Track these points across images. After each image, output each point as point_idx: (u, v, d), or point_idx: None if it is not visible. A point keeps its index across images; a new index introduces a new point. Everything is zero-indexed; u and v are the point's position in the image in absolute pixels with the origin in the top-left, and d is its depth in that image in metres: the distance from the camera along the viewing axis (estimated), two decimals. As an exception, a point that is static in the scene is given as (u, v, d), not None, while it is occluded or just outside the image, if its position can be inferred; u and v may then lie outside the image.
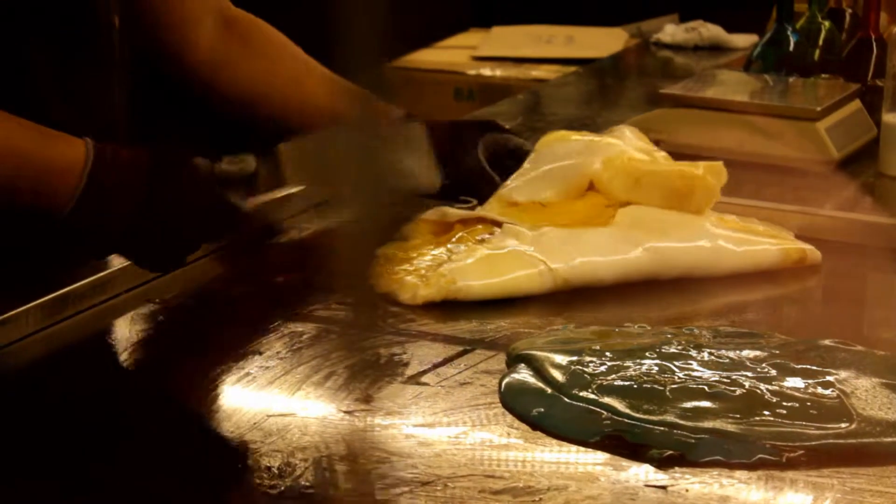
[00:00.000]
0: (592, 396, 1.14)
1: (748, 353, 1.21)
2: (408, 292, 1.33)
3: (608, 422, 1.10)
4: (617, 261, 1.39)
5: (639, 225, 1.42)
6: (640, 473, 1.04)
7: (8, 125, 1.12)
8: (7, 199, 1.14)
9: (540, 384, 1.17)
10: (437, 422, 1.11)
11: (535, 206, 1.46)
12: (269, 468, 1.02)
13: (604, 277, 1.39)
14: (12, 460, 1.05)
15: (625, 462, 1.06)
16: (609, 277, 1.39)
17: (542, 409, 1.13)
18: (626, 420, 1.10)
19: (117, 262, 1.31)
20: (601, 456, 1.07)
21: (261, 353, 1.21)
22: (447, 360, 1.22)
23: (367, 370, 1.17)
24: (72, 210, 1.12)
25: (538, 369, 1.19)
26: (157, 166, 1.14)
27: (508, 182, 1.48)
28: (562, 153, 1.49)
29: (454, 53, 3.19)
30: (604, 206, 1.44)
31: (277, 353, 1.22)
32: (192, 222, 1.18)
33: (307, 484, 1.01)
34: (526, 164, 1.50)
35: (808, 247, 1.46)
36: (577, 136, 1.54)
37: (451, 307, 1.33)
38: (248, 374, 1.18)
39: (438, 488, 1.01)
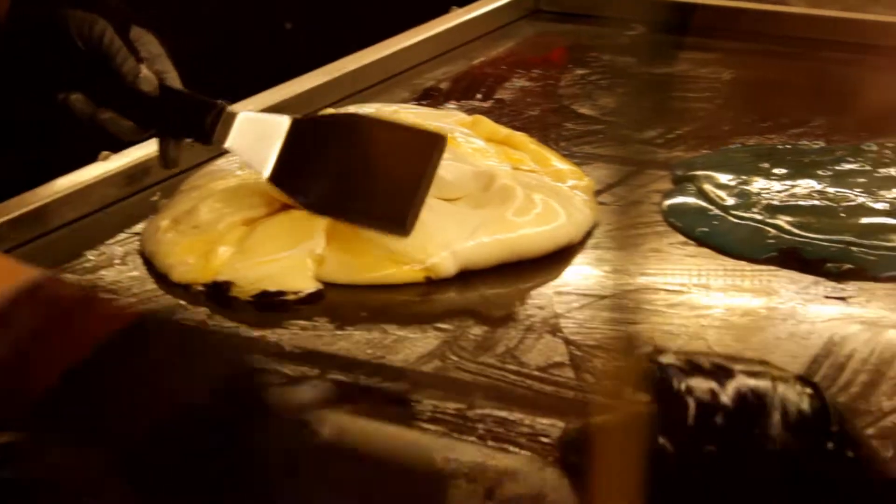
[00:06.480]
0: (759, 216, 1.11)
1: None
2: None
3: (776, 240, 1.08)
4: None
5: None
6: (818, 287, 1.02)
7: None
8: None
9: (704, 203, 1.15)
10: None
11: None
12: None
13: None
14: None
15: (800, 276, 1.03)
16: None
17: (707, 229, 1.11)
18: (797, 238, 1.07)
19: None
20: (776, 270, 1.04)
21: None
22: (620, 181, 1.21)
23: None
24: None
25: (702, 189, 1.16)
26: None
27: None
28: None
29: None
30: None
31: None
32: None
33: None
34: None
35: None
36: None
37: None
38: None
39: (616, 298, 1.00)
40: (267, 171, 1.06)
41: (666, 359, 0.78)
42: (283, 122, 1.07)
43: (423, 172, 1.04)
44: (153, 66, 1.07)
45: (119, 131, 1.07)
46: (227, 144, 1.07)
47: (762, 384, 0.75)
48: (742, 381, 0.75)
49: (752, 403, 0.74)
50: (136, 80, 1.05)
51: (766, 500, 0.73)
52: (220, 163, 1.17)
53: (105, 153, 1.20)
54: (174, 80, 1.08)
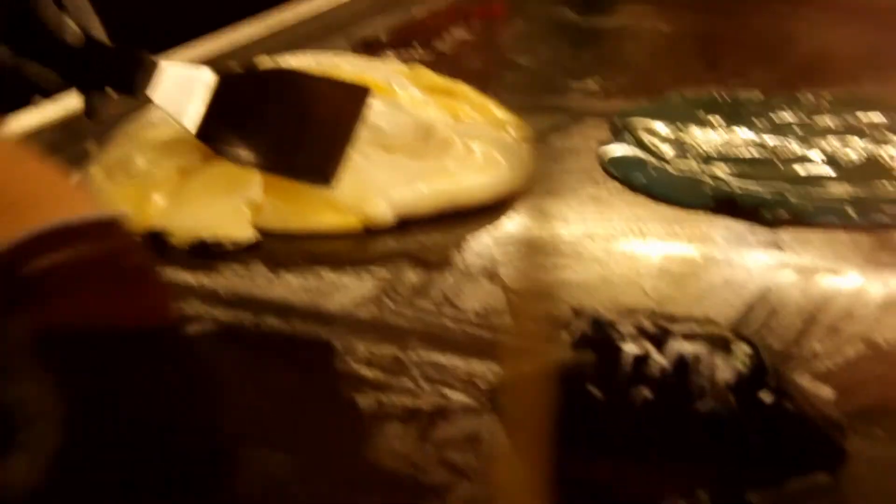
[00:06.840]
0: (696, 165, 1.11)
1: (868, 118, 1.18)
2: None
3: (713, 188, 1.08)
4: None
5: None
6: (754, 234, 1.02)
7: None
8: None
9: (641, 153, 1.15)
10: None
11: None
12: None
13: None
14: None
15: (736, 224, 1.04)
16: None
17: (644, 178, 1.11)
18: (735, 188, 1.08)
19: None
20: (712, 218, 1.05)
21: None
22: (559, 130, 1.21)
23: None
24: None
25: (640, 138, 1.17)
26: None
27: None
28: None
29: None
30: None
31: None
32: None
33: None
34: None
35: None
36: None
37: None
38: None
39: (555, 245, 1.01)
40: (193, 126, 1.05)
41: (603, 314, 0.78)
42: (209, 77, 1.06)
43: (348, 124, 1.04)
44: (78, 19, 1.06)
45: (44, 82, 1.06)
46: (152, 97, 1.06)
47: (699, 341, 0.75)
48: (679, 338, 0.75)
49: (688, 361, 0.74)
50: (59, 30, 1.04)
51: (705, 455, 0.74)
52: (155, 112, 1.15)
53: (38, 97, 1.19)
54: (100, 33, 1.07)
